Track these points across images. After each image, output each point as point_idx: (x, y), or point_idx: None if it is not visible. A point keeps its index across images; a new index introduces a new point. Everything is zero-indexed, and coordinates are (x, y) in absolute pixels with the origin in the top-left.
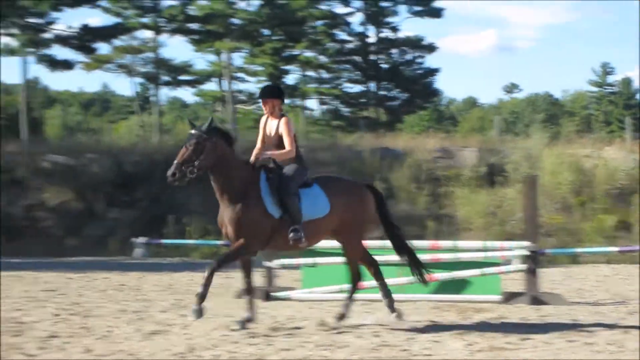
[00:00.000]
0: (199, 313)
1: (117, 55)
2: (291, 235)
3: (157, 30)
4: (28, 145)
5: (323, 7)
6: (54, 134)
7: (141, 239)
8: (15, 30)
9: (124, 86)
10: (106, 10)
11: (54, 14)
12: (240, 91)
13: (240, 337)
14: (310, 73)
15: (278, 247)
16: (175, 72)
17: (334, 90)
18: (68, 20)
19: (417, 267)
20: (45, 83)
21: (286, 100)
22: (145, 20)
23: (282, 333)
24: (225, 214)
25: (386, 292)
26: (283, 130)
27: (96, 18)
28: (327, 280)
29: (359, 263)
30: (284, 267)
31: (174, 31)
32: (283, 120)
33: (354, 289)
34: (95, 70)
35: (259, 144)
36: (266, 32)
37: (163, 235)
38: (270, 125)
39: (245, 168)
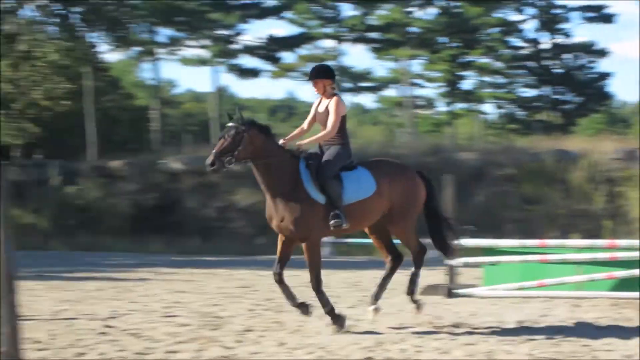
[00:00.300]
0: (342, 322)
1: (301, 63)
2: (332, 221)
3: (339, 39)
4: None
5: (498, 15)
6: None
7: (327, 239)
8: (206, 42)
9: (308, 93)
10: (291, 21)
11: (242, 26)
12: (418, 96)
13: (425, 332)
14: (486, 78)
15: (327, 233)
16: (356, 79)
17: (509, 95)
18: (255, 32)
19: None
20: (233, 91)
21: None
22: (327, 30)
23: (465, 328)
24: (279, 209)
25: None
26: (331, 108)
27: (281, 29)
28: (508, 277)
29: (382, 252)
30: (466, 265)
31: (355, 40)
32: (334, 99)
33: (419, 264)
34: (280, 78)
35: (305, 125)
36: (443, 39)
37: (349, 235)
38: (323, 104)
39: (286, 157)
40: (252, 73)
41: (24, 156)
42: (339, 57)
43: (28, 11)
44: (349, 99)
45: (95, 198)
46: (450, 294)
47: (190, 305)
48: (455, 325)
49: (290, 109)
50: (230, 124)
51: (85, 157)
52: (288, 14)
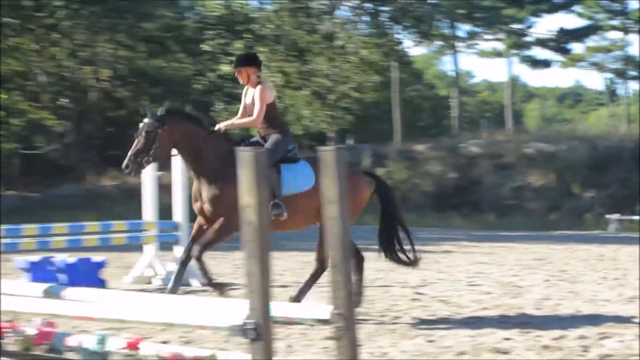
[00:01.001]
0: (222, 288)
1: (589, 54)
2: (272, 211)
3: (626, 30)
4: (513, 134)
5: None
6: (533, 124)
7: (615, 216)
8: (501, 36)
9: (594, 81)
10: (579, 14)
11: (534, 20)
12: None
13: None
14: None
15: None
16: None
17: None
18: (546, 25)
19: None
20: (524, 80)
21: None
22: (614, 22)
23: None
24: (202, 191)
25: (358, 287)
26: (256, 97)
27: (570, 21)
28: None
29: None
30: None
31: None
32: (258, 88)
33: (314, 279)
34: (569, 68)
35: (238, 115)
36: None
37: (634, 212)
38: (249, 94)
39: (220, 144)
40: (544, 63)
41: (337, 141)
42: (626, 47)
43: (343, 11)
44: (635, 87)
45: (401, 179)
46: None
47: (492, 275)
48: None
49: (577, 96)
50: (144, 121)
51: (392, 142)
52: (577, 8)
